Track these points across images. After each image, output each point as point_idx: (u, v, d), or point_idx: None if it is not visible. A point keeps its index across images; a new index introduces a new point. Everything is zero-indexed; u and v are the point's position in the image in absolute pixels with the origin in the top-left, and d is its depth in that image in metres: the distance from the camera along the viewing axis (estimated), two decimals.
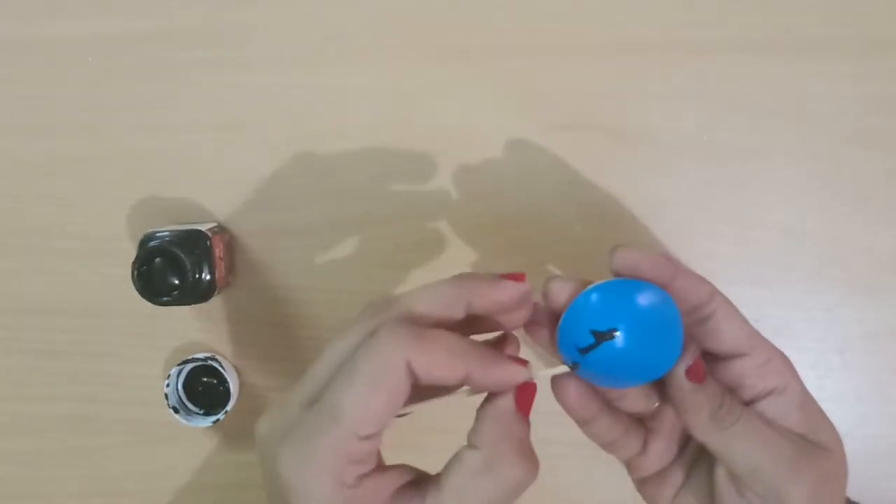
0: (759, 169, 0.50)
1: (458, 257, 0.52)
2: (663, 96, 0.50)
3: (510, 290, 0.33)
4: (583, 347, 0.32)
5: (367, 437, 0.29)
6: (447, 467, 0.31)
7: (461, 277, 0.33)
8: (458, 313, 0.32)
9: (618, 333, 0.32)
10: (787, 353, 0.50)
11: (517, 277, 0.33)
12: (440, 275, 0.51)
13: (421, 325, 0.30)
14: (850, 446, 0.50)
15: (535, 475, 0.31)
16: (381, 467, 0.31)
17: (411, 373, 0.29)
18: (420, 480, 0.32)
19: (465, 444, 0.32)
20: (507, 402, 0.32)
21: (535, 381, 0.32)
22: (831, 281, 0.50)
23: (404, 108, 0.52)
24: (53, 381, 0.54)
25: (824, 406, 0.50)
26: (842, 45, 0.50)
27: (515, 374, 0.32)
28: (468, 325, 0.34)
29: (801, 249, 0.50)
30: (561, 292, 0.34)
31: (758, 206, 0.50)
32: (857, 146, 0.50)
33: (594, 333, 0.32)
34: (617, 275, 0.34)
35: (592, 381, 0.34)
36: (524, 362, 0.32)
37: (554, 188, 0.51)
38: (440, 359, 0.30)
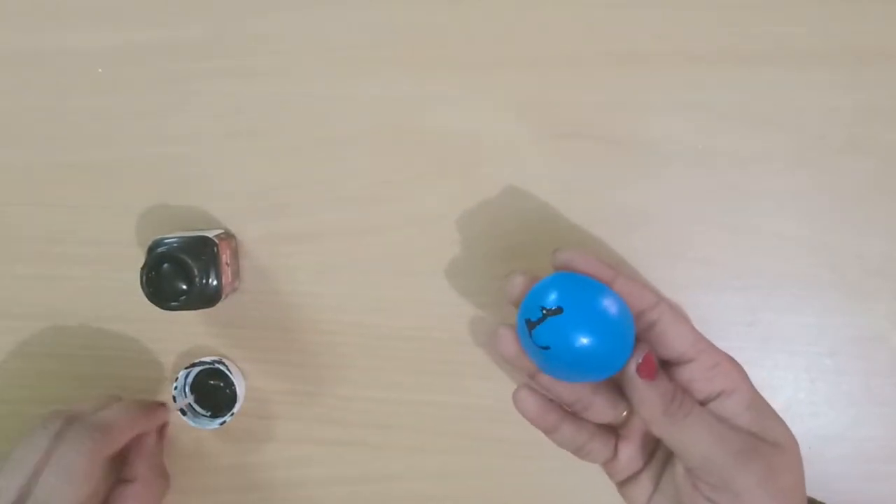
0: (753, 177, 0.51)
1: (459, 263, 0.53)
2: (659, 106, 0.51)
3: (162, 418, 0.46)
4: (533, 321, 0.35)
5: None
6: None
7: (132, 405, 0.47)
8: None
9: (560, 313, 0.35)
10: (779, 356, 0.52)
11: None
12: (441, 280, 0.53)
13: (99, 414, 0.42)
14: (841, 448, 0.52)
15: (169, 483, 0.47)
16: None
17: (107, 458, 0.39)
18: None
19: (120, 479, 0.43)
20: (152, 438, 0.46)
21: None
22: (823, 286, 0.51)
23: (407, 117, 0.53)
24: (65, 385, 0.55)
25: (817, 408, 0.51)
26: (833, 55, 0.50)
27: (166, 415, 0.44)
28: None
29: (793, 255, 0.51)
30: (518, 284, 0.38)
31: (751, 212, 0.51)
32: (848, 154, 0.51)
33: (542, 309, 0.35)
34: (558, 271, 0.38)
35: (551, 372, 0.37)
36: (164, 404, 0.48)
37: (552, 195, 0.52)
38: (125, 437, 0.43)
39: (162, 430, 0.44)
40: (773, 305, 0.51)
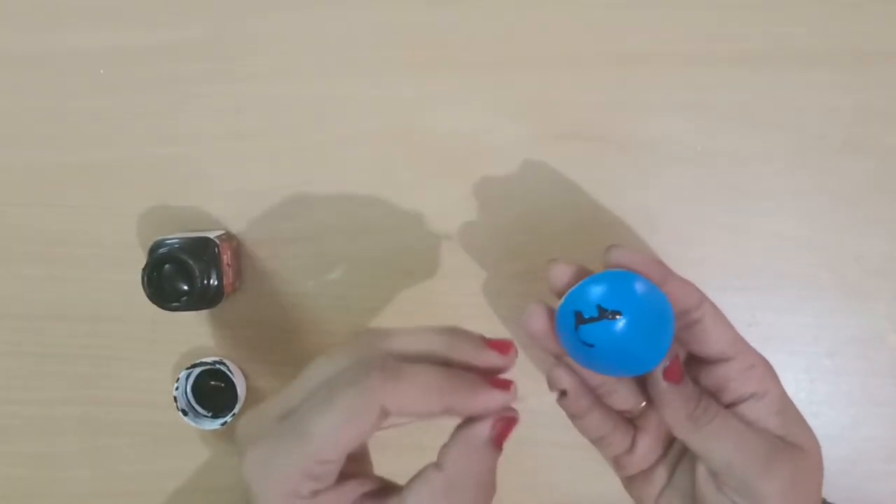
0: (753, 177, 0.51)
1: (460, 263, 0.53)
2: (660, 107, 0.51)
3: (492, 360, 0.33)
4: (585, 318, 0.34)
5: (328, 462, 0.30)
6: (411, 483, 0.32)
7: (449, 334, 0.33)
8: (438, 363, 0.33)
9: (619, 317, 0.34)
10: (779, 357, 0.51)
11: (503, 348, 0.33)
12: (442, 281, 0.53)
13: (400, 360, 0.31)
14: (841, 448, 0.52)
15: (490, 498, 0.32)
16: (339, 480, 0.32)
17: (385, 412, 0.30)
18: (381, 491, 0.33)
19: (436, 459, 0.33)
20: (480, 431, 0.32)
21: (518, 405, 0.33)
22: (822, 286, 0.51)
23: (408, 118, 0.53)
24: (66, 385, 0.55)
25: (816, 408, 0.52)
26: (832, 56, 0.51)
27: (495, 402, 0.32)
28: None
29: (793, 255, 0.51)
30: (565, 273, 0.36)
31: (751, 213, 0.51)
32: (848, 154, 0.51)
33: (599, 308, 0.34)
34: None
35: (584, 364, 0.36)
36: (507, 385, 0.32)
37: (553, 196, 0.52)
38: (414, 399, 0.31)
39: (501, 427, 0.32)
40: (773, 305, 0.52)
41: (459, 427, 0.33)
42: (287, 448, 0.30)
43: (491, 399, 0.32)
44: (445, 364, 0.32)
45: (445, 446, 0.33)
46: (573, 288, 0.35)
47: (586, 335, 0.34)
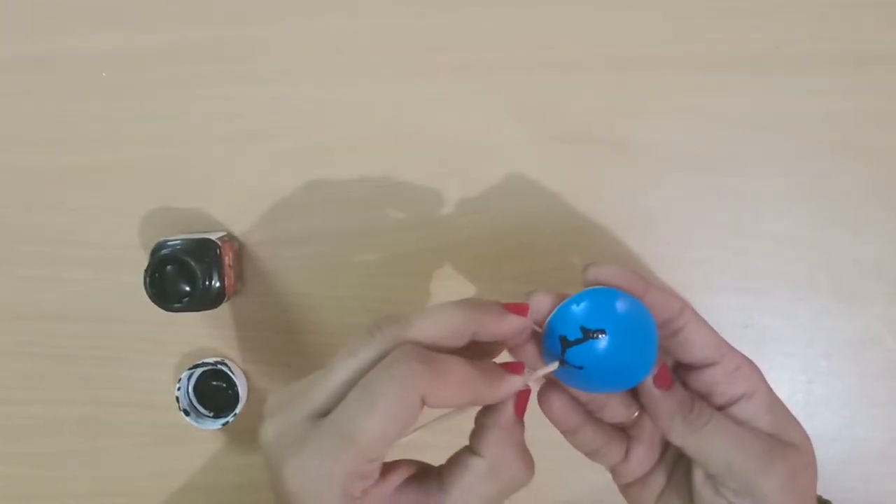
0: (750, 180, 0.52)
1: (459, 264, 0.53)
2: (657, 110, 0.52)
3: (515, 325, 0.34)
4: (570, 341, 0.34)
5: (376, 460, 0.31)
6: (451, 472, 0.33)
7: (468, 306, 0.33)
8: (464, 341, 0.33)
9: (603, 335, 0.34)
10: (775, 358, 0.52)
11: (521, 310, 0.35)
12: (442, 282, 0.53)
13: (432, 351, 0.31)
14: (837, 449, 0.52)
15: (532, 474, 0.34)
16: (382, 472, 0.32)
17: (423, 403, 0.30)
18: (420, 476, 0.34)
19: (467, 446, 0.33)
20: (507, 411, 0.33)
21: (530, 384, 0.34)
22: (818, 289, 0.52)
23: (408, 121, 0.53)
24: (67, 385, 0.55)
25: (812, 410, 0.52)
26: (828, 60, 0.51)
27: (515, 386, 0.33)
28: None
29: (789, 258, 0.52)
30: (545, 302, 0.36)
31: (748, 216, 0.52)
32: (844, 158, 0.51)
33: (583, 330, 0.34)
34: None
35: (574, 385, 0.36)
36: (520, 368, 0.34)
37: (551, 198, 0.53)
38: (451, 391, 0.31)
39: (521, 402, 0.34)
40: (770, 307, 0.52)
41: (484, 412, 0.34)
42: (334, 452, 0.30)
43: (512, 386, 0.33)
44: (470, 339, 0.33)
45: (478, 434, 0.34)
46: (555, 311, 0.35)
47: (574, 357, 0.34)
